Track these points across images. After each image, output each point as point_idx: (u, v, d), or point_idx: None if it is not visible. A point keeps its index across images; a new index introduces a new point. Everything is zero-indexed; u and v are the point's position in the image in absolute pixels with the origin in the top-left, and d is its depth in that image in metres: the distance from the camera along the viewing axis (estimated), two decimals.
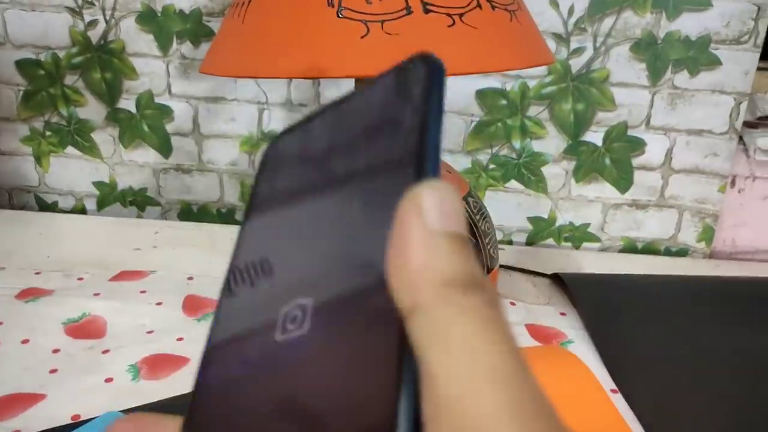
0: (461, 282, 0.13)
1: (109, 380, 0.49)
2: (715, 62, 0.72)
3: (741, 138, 0.76)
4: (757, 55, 0.72)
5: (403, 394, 0.13)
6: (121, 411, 0.44)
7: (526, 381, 0.12)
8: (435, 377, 0.12)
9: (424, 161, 0.16)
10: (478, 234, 0.53)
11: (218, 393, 0.18)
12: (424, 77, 0.17)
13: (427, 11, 0.42)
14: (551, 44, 0.73)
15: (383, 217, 0.15)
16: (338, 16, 0.42)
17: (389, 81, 0.19)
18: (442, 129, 0.17)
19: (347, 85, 0.76)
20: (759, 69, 0.72)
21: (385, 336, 0.14)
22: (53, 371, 0.50)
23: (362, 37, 0.41)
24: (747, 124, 0.76)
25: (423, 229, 0.14)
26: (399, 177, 0.16)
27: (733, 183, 0.79)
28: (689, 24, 0.71)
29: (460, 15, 0.43)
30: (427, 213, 0.14)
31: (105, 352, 0.53)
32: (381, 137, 0.18)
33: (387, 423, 0.13)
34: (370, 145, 0.18)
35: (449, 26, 0.42)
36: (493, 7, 0.44)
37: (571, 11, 0.72)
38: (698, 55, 0.72)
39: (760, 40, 0.71)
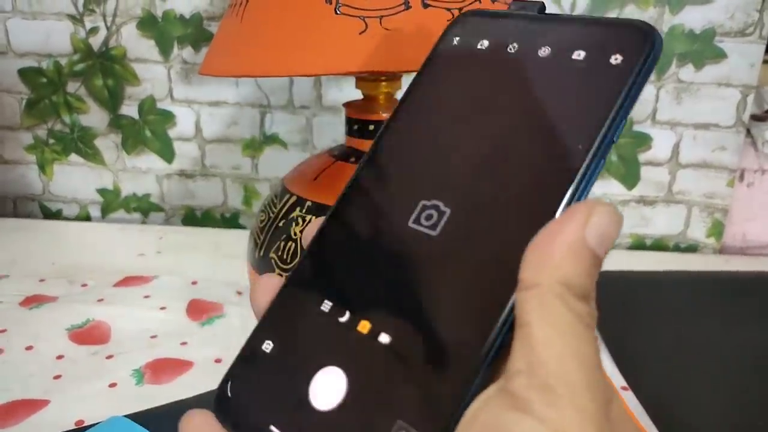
0: (576, 289, 0.16)
1: (113, 385, 0.49)
2: (720, 55, 0.72)
3: (748, 131, 0.75)
4: (763, 47, 0.71)
5: (497, 340, 0.17)
6: (125, 416, 0.44)
7: (596, 364, 0.16)
8: (536, 341, 0.16)
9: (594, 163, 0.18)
10: None
11: (334, 246, 0.20)
12: (642, 59, 0.18)
13: (425, 6, 0.42)
14: None
15: (543, 187, 0.18)
16: (336, 13, 0.41)
17: (610, 33, 0.19)
18: (629, 112, 0.18)
19: (348, 84, 0.76)
20: (765, 61, 0.71)
21: (500, 287, 0.17)
22: (57, 377, 0.50)
23: (361, 33, 0.41)
24: (754, 117, 0.75)
25: (578, 237, 0.16)
26: (571, 158, 0.18)
27: (741, 177, 0.78)
28: (693, 17, 0.71)
29: (459, 9, 0.43)
30: (590, 228, 0.16)
31: (109, 357, 0.52)
32: (573, 86, 0.18)
33: (477, 354, 0.16)
34: (560, 89, 0.19)
35: (448, 21, 0.42)
36: (493, 1, 0.44)
37: (573, 6, 0.71)
38: (703, 49, 0.71)
39: (766, 32, 0.70)
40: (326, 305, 0.20)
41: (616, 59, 0.18)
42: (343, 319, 0.19)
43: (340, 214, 0.21)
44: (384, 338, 0.18)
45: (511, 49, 0.20)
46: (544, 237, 0.17)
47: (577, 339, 0.16)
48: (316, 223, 0.22)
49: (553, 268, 0.16)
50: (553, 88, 0.19)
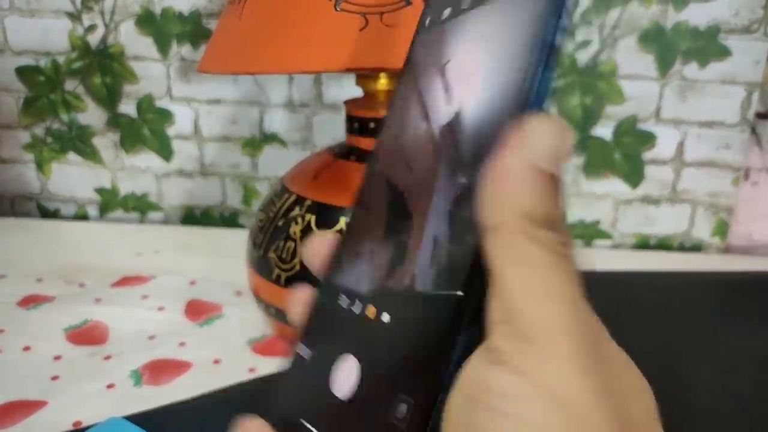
0: (539, 218, 0.15)
1: (110, 386, 0.48)
2: (724, 52, 0.71)
3: (753, 129, 0.74)
4: None
5: (471, 296, 0.16)
6: (123, 417, 0.43)
7: (576, 299, 0.15)
8: (507, 287, 0.15)
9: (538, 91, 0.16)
10: None
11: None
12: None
13: (408, 2, 0.41)
14: None
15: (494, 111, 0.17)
16: (336, 9, 0.41)
17: None
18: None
19: (349, 82, 0.75)
20: None
21: (468, 239, 0.17)
22: (55, 378, 0.49)
23: (361, 30, 0.40)
24: (759, 115, 0.74)
25: (525, 162, 0.15)
26: (515, 86, 0.17)
27: (746, 176, 0.77)
28: (697, 14, 0.70)
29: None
30: (533, 149, 0.15)
31: (107, 358, 0.52)
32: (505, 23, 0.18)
33: (453, 313, 0.16)
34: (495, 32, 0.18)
35: None
36: None
37: (576, 3, 0.71)
38: (707, 46, 0.71)
39: None
40: (343, 300, 0.21)
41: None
42: (356, 308, 0.20)
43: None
44: (385, 317, 0.19)
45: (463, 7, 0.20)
46: (493, 174, 0.16)
47: (551, 274, 0.15)
48: (320, 242, 0.23)
49: (509, 203, 0.15)
50: (491, 34, 0.19)
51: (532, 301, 0.14)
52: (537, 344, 0.14)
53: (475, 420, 0.15)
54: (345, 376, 0.19)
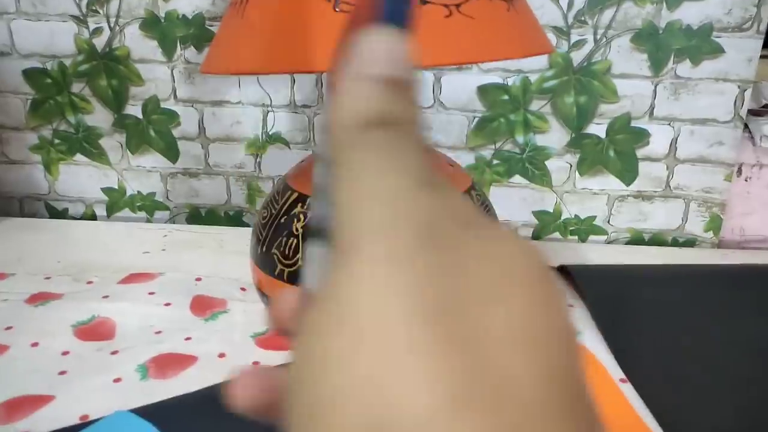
0: (375, 121, 0.13)
1: (117, 380, 0.49)
2: (717, 50, 0.72)
3: (746, 126, 0.75)
4: (761, 42, 0.71)
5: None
6: (129, 410, 0.44)
7: (409, 199, 0.13)
8: (338, 195, 0.13)
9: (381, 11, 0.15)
10: None
11: None
12: None
13: (423, 2, 0.42)
14: (551, 38, 0.73)
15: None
16: (335, 10, 0.42)
17: None
18: None
19: None
20: (762, 57, 0.72)
21: None
22: (62, 373, 0.50)
23: None
24: (752, 112, 0.75)
25: (352, 74, 0.14)
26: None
27: (739, 172, 0.78)
28: (690, 13, 0.71)
29: (457, 5, 0.43)
30: (359, 59, 0.14)
31: (114, 353, 0.53)
32: None
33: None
34: None
35: (446, 17, 0.43)
36: None
37: (570, 4, 0.72)
38: (700, 44, 0.72)
39: (763, 27, 0.70)
40: None
41: None
42: None
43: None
44: None
45: None
46: (329, 85, 0.15)
47: (375, 177, 0.13)
48: (289, 298, 0.20)
49: (339, 120, 0.14)
50: None
51: (351, 211, 0.13)
52: (357, 246, 0.12)
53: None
54: None
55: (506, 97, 0.76)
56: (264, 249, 0.52)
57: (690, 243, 0.81)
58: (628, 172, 0.78)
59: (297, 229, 0.50)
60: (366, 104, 0.14)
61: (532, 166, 0.79)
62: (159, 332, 0.56)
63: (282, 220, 0.51)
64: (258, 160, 0.83)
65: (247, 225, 0.85)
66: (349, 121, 0.14)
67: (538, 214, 0.81)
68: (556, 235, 0.82)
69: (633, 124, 0.76)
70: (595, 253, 0.75)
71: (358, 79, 0.14)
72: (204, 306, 0.60)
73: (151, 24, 0.77)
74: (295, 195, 0.52)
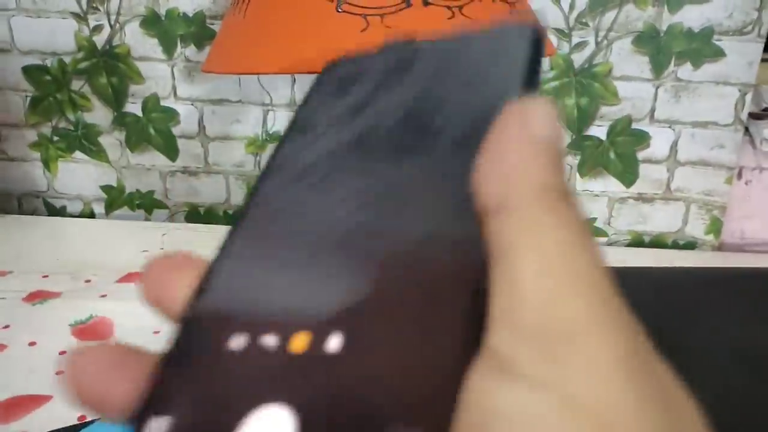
0: (560, 189, 0.13)
1: None
2: (718, 54, 0.72)
3: (747, 129, 0.75)
4: (761, 46, 0.71)
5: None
6: None
7: (610, 290, 0.12)
8: (521, 273, 0.11)
9: (528, 85, 0.15)
10: None
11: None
12: (528, 44, 0.16)
13: (426, 4, 0.42)
14: (553, 40, 0.73)
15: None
16: (338, 11, 0.42)
17: (485, 40, 0.18)
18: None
19: None
20: (764, 60, 0.72)
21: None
22: (60, 372, 0.50)
23: (362, 31, 0.42)
24: (752, 116, 0.75)
25: (525, 135, 0.13)
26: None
27: (740, 175, 0.78)
28: (691, 16, 0.71)
29: (460, 7, 0.43)
30: (531, 121, 0.13)
31: None
32: (479, 91, 0.17)
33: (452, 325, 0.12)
34: (466, 98, 0.17)
35: (449, 18, 0.43)
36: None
37: (572, 6, 0.72)
38: (701, 47, 0.72)
39: (764, 31, 0.70)
40: (238, 338, 0.14)
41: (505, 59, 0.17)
42: (270, 342, 0.14)
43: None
44: (334, 344, 0.13)
45: None
46: (488, 158, 0.13)
47: (579, 255, 0.12)
48: (181, 261, 0.17)
49: (522, 174, 0.13)
50: None
51: (556, 289, 0.11)
52: (563, 347, 0.11)
53: None
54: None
55: None
56: None
57: (690, 246, 0.81)
58: (628, 174, 0.78)
59: None
60: (555, 173, 0.13)
61: None
62: (157, 332, 0.56)
63: None
64: (258, 159, 0.82)
65: None
66: (533, 184, 0.13)
67: None
68: None
69: (634, 126, 0.76)
70: None
71: (542, 143, 0.13)
72: None
73: (152, 22, 0.77)
74: None
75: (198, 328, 0.15)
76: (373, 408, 0.12)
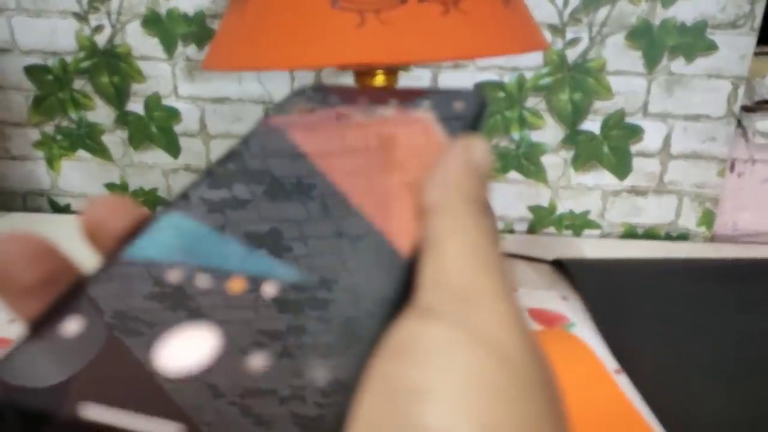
0: (482, 202, 0.18)
1: None
2: (711, 47, 0.73)
3: (739, 122, 0.77)
4: (754, 39, 0.72)
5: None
6: None
7: (505, 270, 0.16)
8: (447, 254, 0.16)
9: (473, 128, 0.21)
10: None
11: None
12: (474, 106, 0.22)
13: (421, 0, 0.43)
14: (547, 35, 0.74)
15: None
16: (333, 7, 0.43)
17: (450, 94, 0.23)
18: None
19: (347, 80, 0.78)
20: (756, 54, 0.73)
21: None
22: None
23: (358, 26, 0.43)
24: (745, 109, 0.76)
25: (469, 161, 0.19)
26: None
27: (732, 167, 0.79)
28: (684, 10, 0.72)
29: (454, 2, 0.44)
30: (475, 153, 0.19)
31: None
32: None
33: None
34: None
35: (443, 14, 0.44)
36: None
37: (566, 2, 0.73)
38: (694, 41, 0.73)
39: (757, 24, 0.72)
40: (175, 272, 0.16)
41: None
42: (206, 281, 0.15)
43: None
44: (270, 290, 0.15)
45: None
46: (440, 169, 0.18)
47: (488, 247, 0.16)
48: (114, 203, 0.19)
49: (455, 186, 0.18)
50: None
51: (471, 267, 0.15)
52: (475, 302, 0.15)
53: (402, 374, 0.13)
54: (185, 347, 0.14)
55: (502, 94, 0.77)
56: None
57: (683, 237, 0.82)
58: (622, 167, 0.79)
59: None
60: (476, 187, 0.18)
61: (527, 161, 0.80)
62: None
63: None
64: None
65: None
66: (462, 193, 0.17)
67: (533, 208, 0.83)
68: (551, 229, 0.83)
69: (627, 120, 0.77)
70: (590, 247, 0.76)
71: (474, 169, 0.18)
72: None
73: (152, 21, 0.78)
74: None
75: (131, 264, 0.16)
76: (298, 348, 0.14)
